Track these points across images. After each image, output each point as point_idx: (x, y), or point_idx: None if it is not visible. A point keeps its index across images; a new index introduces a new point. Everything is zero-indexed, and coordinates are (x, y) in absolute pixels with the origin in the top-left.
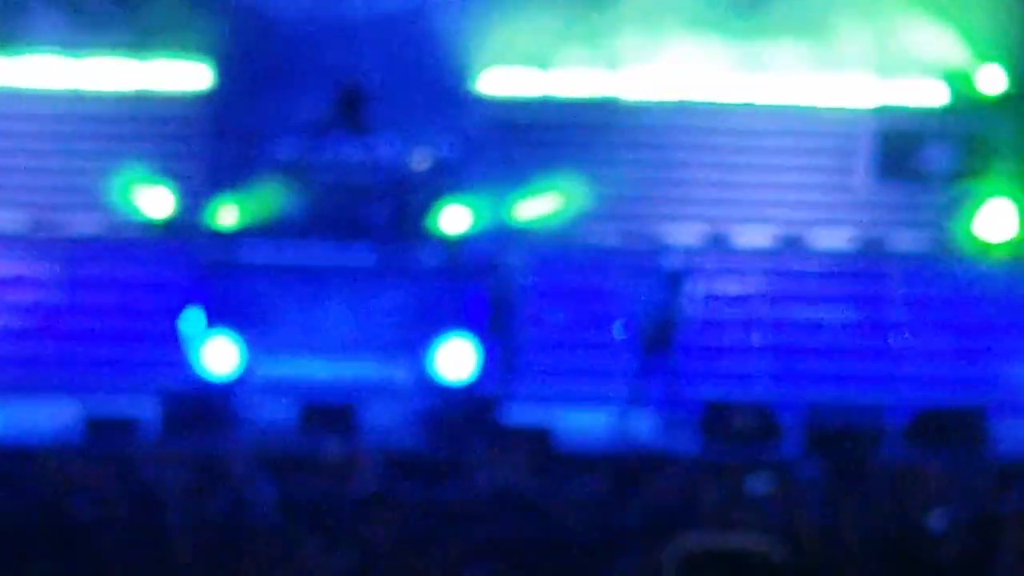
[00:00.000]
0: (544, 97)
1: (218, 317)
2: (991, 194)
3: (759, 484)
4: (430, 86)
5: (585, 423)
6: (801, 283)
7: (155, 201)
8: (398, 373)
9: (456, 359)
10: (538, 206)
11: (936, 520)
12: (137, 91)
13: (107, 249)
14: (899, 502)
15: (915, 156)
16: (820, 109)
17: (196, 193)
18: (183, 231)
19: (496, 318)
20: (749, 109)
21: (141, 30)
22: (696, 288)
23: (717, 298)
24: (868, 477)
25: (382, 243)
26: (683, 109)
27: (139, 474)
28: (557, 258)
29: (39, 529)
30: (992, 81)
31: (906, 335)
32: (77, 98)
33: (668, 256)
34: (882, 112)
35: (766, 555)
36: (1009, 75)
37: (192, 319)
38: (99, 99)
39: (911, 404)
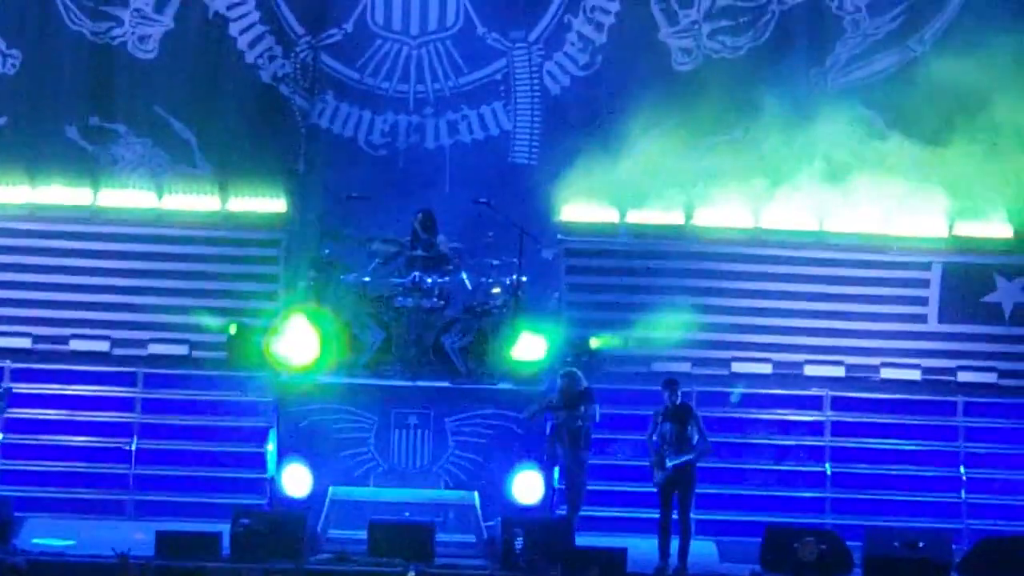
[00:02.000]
0: (617, 226)
1: (291, 439)
2: None
3: None
4: (506, 215)
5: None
6: (869, 414)
7: (232, 325)
8: (471, 498)
9: (528, 485)
10: (611, 336)
11: None
12: (216, 216)
13: (184, 371)
14: None
15: (982, 291)
16: (891, 240)
17: (274, 318)
18: (260, 355)
19: (567, 445)
20: (821, 239)
21: (221, 157)
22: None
23: (786, 427)
24: None
25: (456, 370)
26: (756, 239)
27: None
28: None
29: None
30: None
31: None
32: (158, 223)
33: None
34: (951, 246)
35: None
36: None
37: (269, 442)
38: (179, 224)
39: (976, 533)
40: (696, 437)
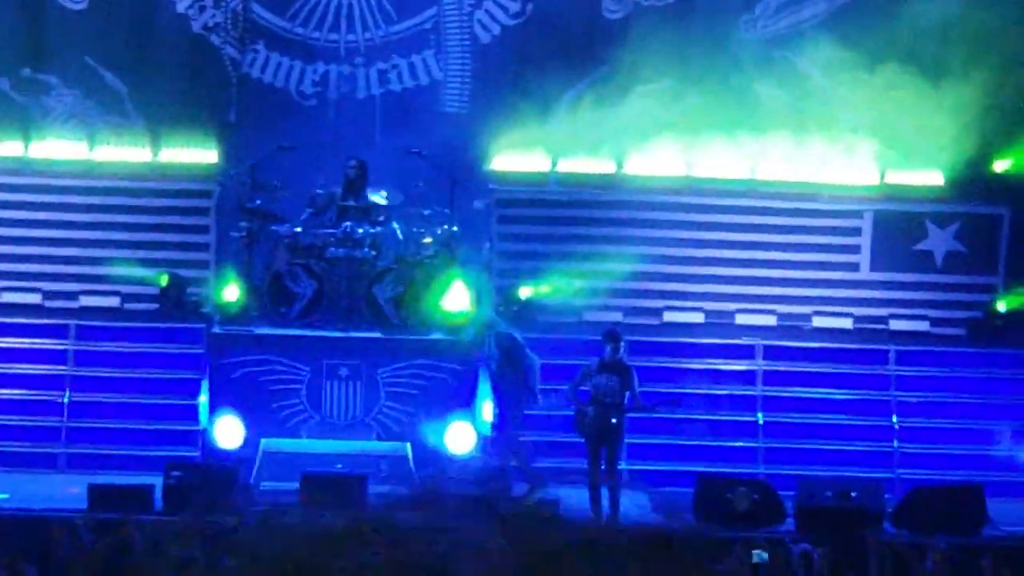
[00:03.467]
0: (548, 175)
1: (224, 391)
2: (987, 276)
3: (756, 559)
4: (437, 165)
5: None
6: (801, 363)
7: (163, 277)
8: (403, 449)
9: (460, 435)
10: (542, 285)
11: None
12: (148, 167)
13: (116, 324)
14: None
15: (914, 239)
16: (822, 188)
17: (204, 269)
18: (190, 307)
19: (499, 394)
20: (753, 187)
21: (153, 108)
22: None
23: (718, 376)
24: (864, 554)
25: (388, 321)
26: (688, 187)
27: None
28: (560, 336)
29: None
30: (991, 162)
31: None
32: (89, 174)
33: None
34: (883, 194)
35: None
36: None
37: (201, 395)
38: (110, 175)
39: (908, 482)
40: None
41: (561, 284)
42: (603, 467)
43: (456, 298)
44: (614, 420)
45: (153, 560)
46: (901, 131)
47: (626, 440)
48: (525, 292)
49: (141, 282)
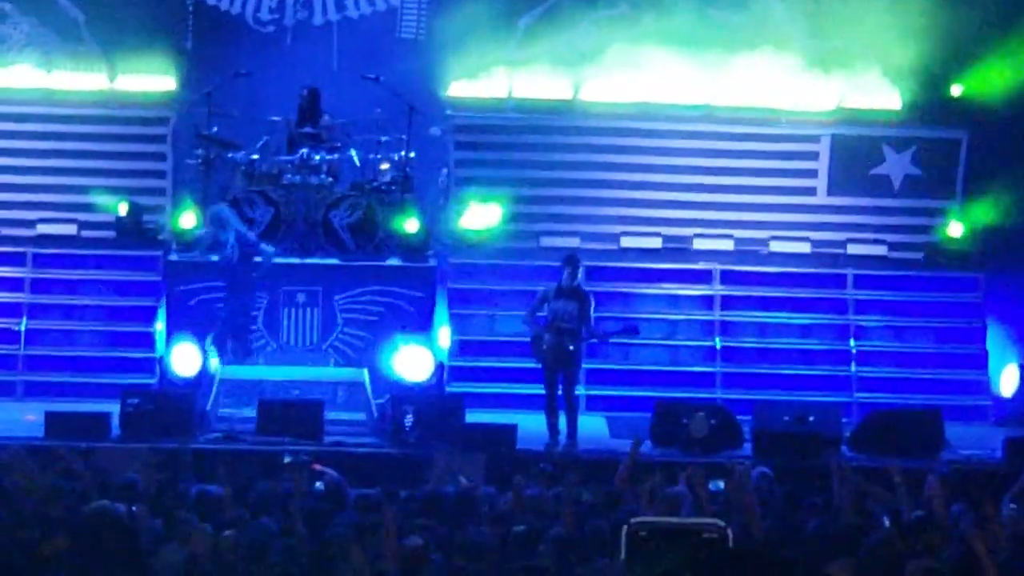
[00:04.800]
0: (505, 101)
1: (180, 319)
2: (945, 200)
3: (716, 488)
4: (394, 91)
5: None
6: (758, 288)
7: (121, 204)
8: (361, 375)
9: (416, 361)
10: (496, 210)
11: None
12: (104, 95)
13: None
14: (851, 501)
15: (872, 163)
16: (779, 112)
17: (161, 196)
18: (147, 234)
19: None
20: (709, 113)
21: (109, 35)
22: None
23: (676, 301)
24: (821, 477)
25: (344, 247)
26: (644, 113)
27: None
28: (517, 262)
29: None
30: (948, 86)
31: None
32: (46, 102)
33: None
34: (839, 118)
35: (719, 535)
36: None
37: (157, 322)
38: (67, 103)
39: (865, 406)
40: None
41: (518, 209)
42: (560, 393)
43: (414, 223)
44: (571, 347)
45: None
46: (857, 55)
47: (584, 366)
48: (482, 215)
49: (98, 209)
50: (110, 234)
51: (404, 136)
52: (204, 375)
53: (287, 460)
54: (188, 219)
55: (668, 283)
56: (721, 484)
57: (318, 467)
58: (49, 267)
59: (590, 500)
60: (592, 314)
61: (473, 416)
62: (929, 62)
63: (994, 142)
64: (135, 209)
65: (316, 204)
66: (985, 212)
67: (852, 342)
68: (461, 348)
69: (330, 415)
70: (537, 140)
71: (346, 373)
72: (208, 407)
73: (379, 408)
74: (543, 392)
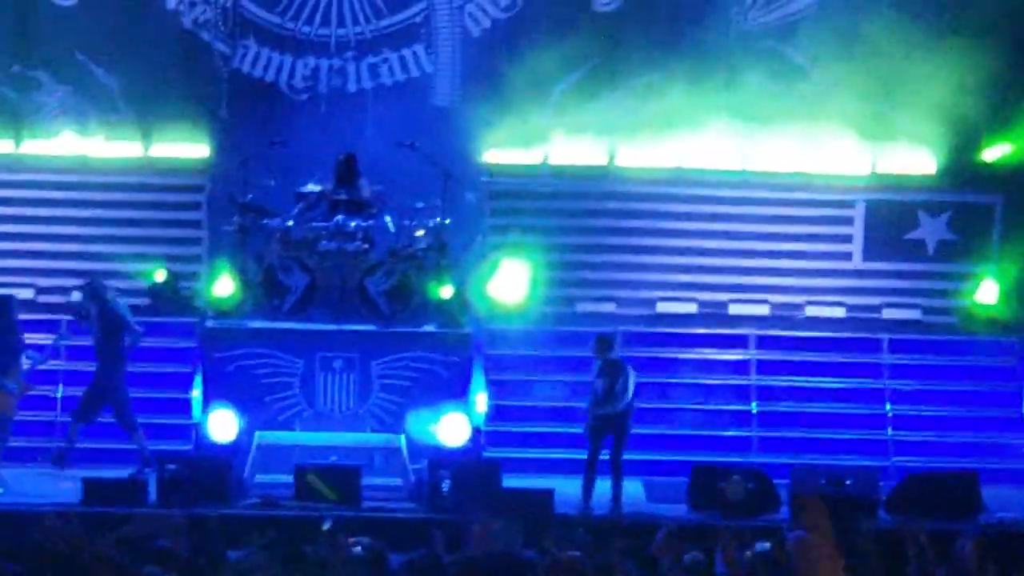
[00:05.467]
0: (540, 167)
1: (217, 385)
2: (979, 264)
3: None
4: (429, 157)
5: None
6: (794, 352)
7: (158, 272)
8: (397, 441)
9: (453, 427)
10: (532, 275)
11: None
12: (139, 162)
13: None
14: (888, 566)
15: (906, 228)
16: (815, 177)
17: (197, 263)
18: (183, 301)
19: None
20: (744, 179)
21: (144, 103)
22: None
23: (712, 366)
24: (858, 541)
25: (381, 313)
26: (680, 178)
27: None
28: (548, 327)
29: None
30: (982, 151)
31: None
32: (81, 170)
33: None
34: (874, 184)
35: None
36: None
37: (193, 388)
38: (102, 170)
39: (901, 469)
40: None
41: (553, 275)
42: (604, 456)
43: (451, 289)
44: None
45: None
46: (892, 121)
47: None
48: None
49: (136, 277)
50: (146, 301)
51: (439, 202)
52: (241, 441)
53: (326, 526)
54: (224, 286)
55: (704, 348)
56: (767, 544)
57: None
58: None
59: (632, 568)
60: (619, 386)
61: (510, 481)
62: (962, 127)
63: None
64: (171, 276)
65: (352, 270)
66: (1020, 276)
67: (888, 406)
68: (497, 413)
69: (367, 480)
70: (572, 206)
71: (383, 439)
72: (245, 473)
73: (416, 473)
74: (581, 457)
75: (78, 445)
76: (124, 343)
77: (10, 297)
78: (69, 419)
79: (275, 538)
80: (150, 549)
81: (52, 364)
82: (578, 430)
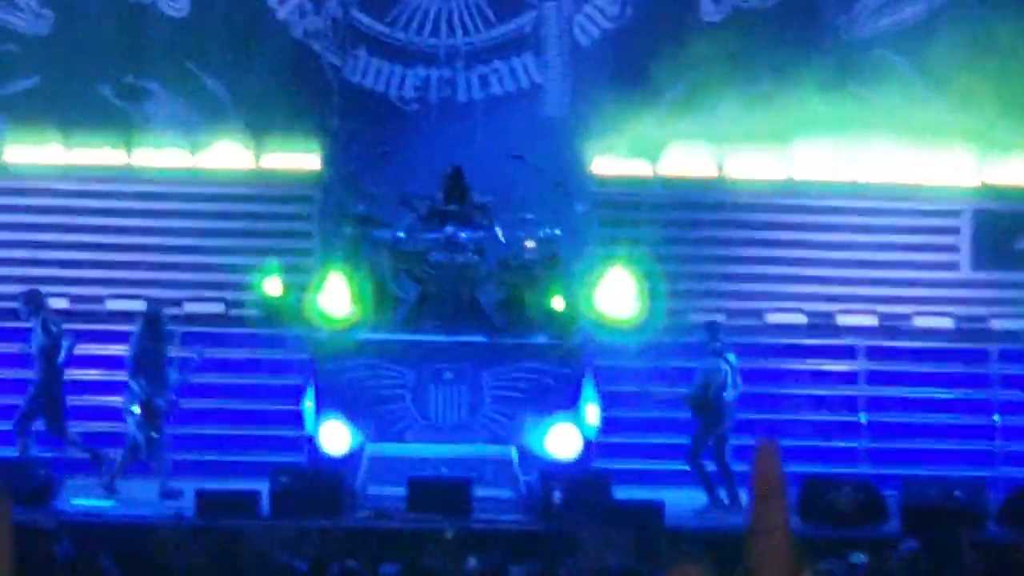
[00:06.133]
0: (649, 178)
1: (329, 396)
2: None
3: (858, 561)
4: (539, 168)
5: (694, 501)
6: (903, 363)
7: (270, 283)
8: (508, 452)
9: (564, 439)
10: (641, 286)
11: None
12: (250, 174)
13: (221, 330)
14: None
15: (1015, 238)
16: (923, 189)
17: (307, 275)
18: (296, 312)
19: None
20: (853, 189)
21: (255, 114)
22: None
23: (821, 377)
24: (965, 554)
25: (492, 324)
26: (788, 189)
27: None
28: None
29: None
30: None
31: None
32: (191, 181)
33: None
34: (982, 193)
35: None
36: None
37: (305, 400)
38: (212, 182)
39: (1010, 480)
40: None
41: (663, 286)
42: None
43: (561, 300)
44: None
45: (260, 567)
46: (1001, 130)
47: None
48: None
49: (250, 288)
50: (257, 312)
51: (549, 213)
52: (354, 453)
53: (450, 535)
54: (335, 297)
55: (813, 359)
56: (863, 556)
57: None
58: (197, 345)
59: None
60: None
61: (621, 493)
62: None
63: None
64: (282, 287)
65: (462, 282)
66: None
67: (996, 417)
68: (607, 425)
69: (478, 492)
70: (682, 216)
71: (494, 450)
72: (357, 485)
73: (527, 485)
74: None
75: (190, 457)
76: (61, 352)
77: (159, 308)
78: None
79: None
80: (265, 562)
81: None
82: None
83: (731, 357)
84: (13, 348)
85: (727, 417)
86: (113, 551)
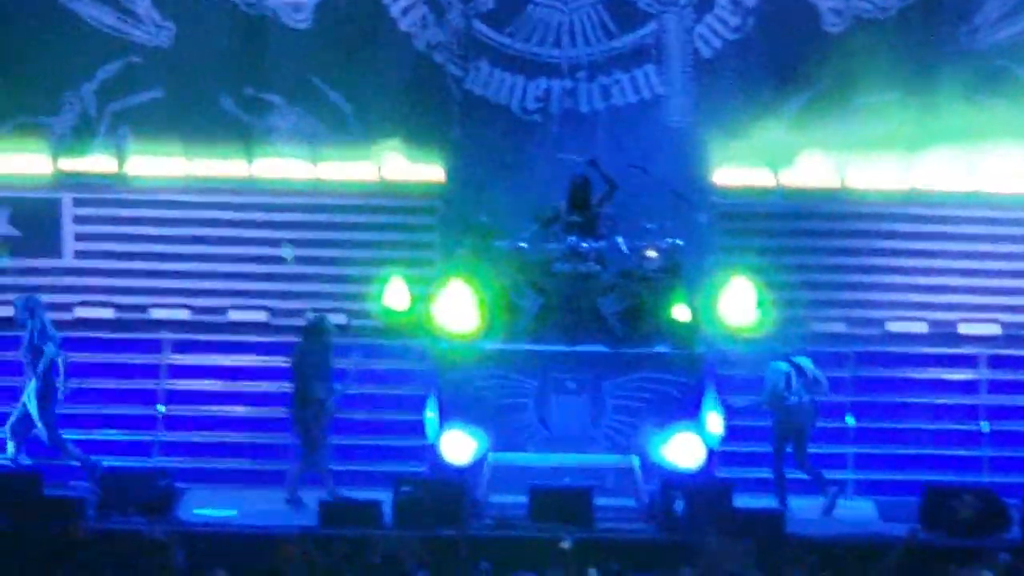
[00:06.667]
0: (771, 188)
1: (452, 406)
2: None
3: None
4: (660, 179)
5: (807, 508)
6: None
7: (392, 293)
8: (630, 462)
9: (686, 448)
10: (763, 295)
11: None
12: (371, 185)
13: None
14: None
15: None
16: None
17: (429, 286)
18: (418, 322)
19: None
20: (975, 199)
21: (376, 126)
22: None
23: (942, 386)
24: None
25: (613, 334)
26: (910, 199)
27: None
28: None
29: None
30: None
31: None
32: (313, 192)
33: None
34: None
35: None
36: None
37: (429, 410)
38: (335, 193)
39: None
40: None
41: (784, 295)
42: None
43: (682, 311)
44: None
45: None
46: None
47: (852, 450)
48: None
49: (372, 299)
50: (379, 323)
51: (671, 223)
52: (476, 462)
53: (566, 545)
54: (457, 307)
55: (934, 368)
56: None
57: None
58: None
59: None
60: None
61: (742, 501)
62: None
63: None
64: (405, 297)
65: (585, 292)
66: None
67: None
68: (729, 434)
69: (600, 501)
70: (803, 226)
71: (616, 459)
72: (479, 494)
73: (649, 494)
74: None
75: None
76: (51, 359)
77: (323, 318)
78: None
79: None
80: (387, 571)
81: (286, 386)
82: (812, 449)
83: (803, 361)
84: (138, 359)
85: (798, 421)
86: (230, 562)
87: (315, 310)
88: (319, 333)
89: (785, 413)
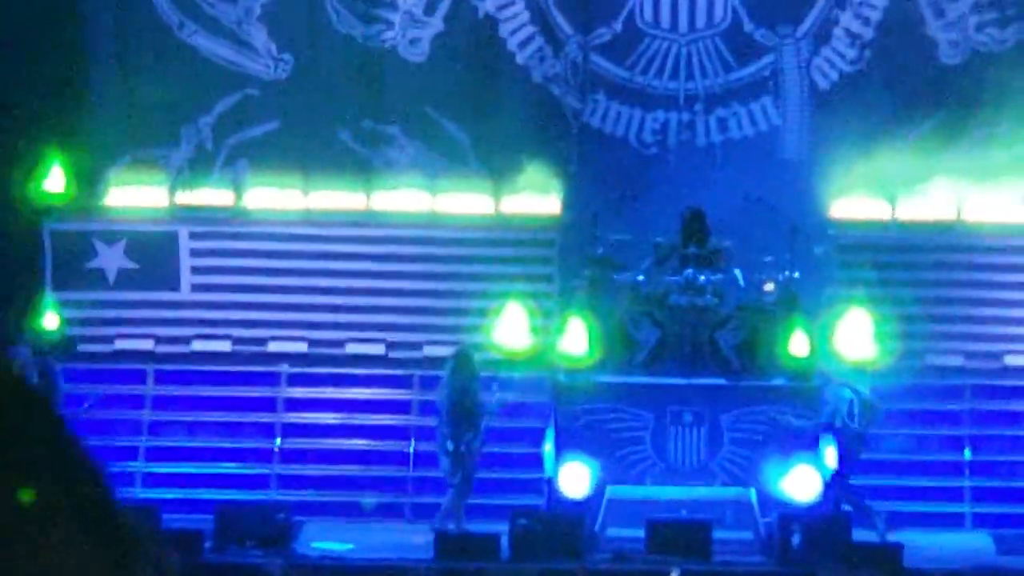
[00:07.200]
0: (888, 221)
1: (569, 439)
2: None
3: None
4: (777, 211)
5: (933, 543)
6: None
7: (510, 326)
8: (747, 495)
9: (803, 480)
10: (882, 330)
11: None
12: (489, 218)
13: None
14: None
15: None
16: None
17: (547, 319)
18: (536, 355)
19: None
20: None
21: (495, 158)
22: None
23: None
24: None
25: (730, 366)
26: None
27: None
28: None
29: None
30: None
31: None
32: (431, 224)
33: None
34: None
35: None
36: None
37: (545, 443)
38: (452, 226)
39: None
40: None
41: (901, 328)
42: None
43: (800, 345)
44: None
45: None
46: None
47: (968, 483)
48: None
49: (490, 332)
50: (496, 356)
51: (788, 256)
52: (593, 495)
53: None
54: (575, 340)
55: None
56: None
57: None
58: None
59: None
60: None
61: (860, 535)
62: None
63: None
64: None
65: (702, 325)
66: None
67: None
68: (844, 467)
69: (718, 534)
70: (920, 259)
71: (733, 492)
72: (597, 527)
73: (766, 527)
74: (932, 510)
75: (430, 500)
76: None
77: (470, 349)
78: None
79: None
80: None
81: (404, 419)
82: (928, 483)
83: (862, 388)
84: (255, 392)
85: (856, 448)
86: None
87: (461, 343)
88: (466, 365)
89: (847, 440)
